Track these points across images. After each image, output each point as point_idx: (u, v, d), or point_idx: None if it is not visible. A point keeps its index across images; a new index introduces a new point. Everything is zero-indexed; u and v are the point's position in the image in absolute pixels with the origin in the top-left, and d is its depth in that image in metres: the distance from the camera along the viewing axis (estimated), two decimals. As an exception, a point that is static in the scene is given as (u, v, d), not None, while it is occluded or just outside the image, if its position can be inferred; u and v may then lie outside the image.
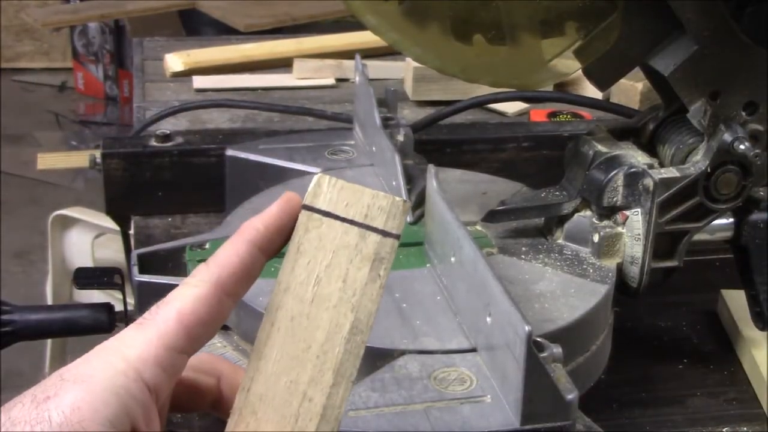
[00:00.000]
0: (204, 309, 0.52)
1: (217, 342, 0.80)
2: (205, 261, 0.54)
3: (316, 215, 0.54)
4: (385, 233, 0.54)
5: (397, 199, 0.54)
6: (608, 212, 0.85)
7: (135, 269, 0.84)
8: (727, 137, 0.81)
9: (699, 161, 0.83)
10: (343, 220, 0.54)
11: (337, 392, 0.53)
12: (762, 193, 0.87)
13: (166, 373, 0.51)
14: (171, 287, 0.54)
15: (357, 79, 1.06)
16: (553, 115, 1.38)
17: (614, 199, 0.84)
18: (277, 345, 0.53)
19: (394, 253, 0.54)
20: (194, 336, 0.52)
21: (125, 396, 0.48)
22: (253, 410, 0.53)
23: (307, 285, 0.54)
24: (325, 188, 0.55)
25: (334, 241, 0.54)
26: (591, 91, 1.34)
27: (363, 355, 0.53)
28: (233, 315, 0.74)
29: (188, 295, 0.52)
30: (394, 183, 0.92)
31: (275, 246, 0.55)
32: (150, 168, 1.10)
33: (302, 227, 0.54)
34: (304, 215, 0.55)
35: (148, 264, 0.85)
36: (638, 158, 0.85)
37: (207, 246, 0.88)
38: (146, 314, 0.52)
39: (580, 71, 0.84)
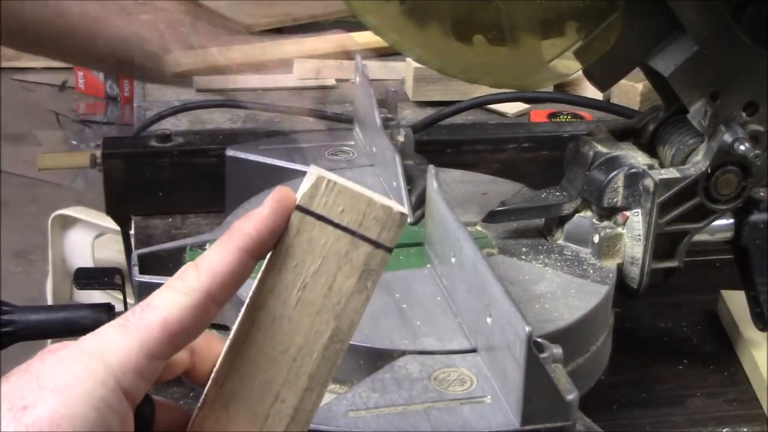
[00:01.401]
0: (190, 319, 0.51)
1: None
2: (194, 261, 0.53)
3: (310, 218, 0.53)
4: (377, 245, 0.53)
5: (395, 210, 0.53)
6: (608, 213, 0.85)
7: (135, 269, 0.84)
8: (728, 138, 0.81)
9: (699, 162, 0.83)
10: (336, 226, 0.53)
11: (310, 397, 0.53)
12: (762, 194, 0.87)
13: (144, 381, 0.51)
14: (171, 288, 0.54)
15: (357, 79, 1.06)
16: (553, 115, 1.38)
17: (614, 200, 0.84)
18: (255, 344, 0.53)
19: (384, 266, 0.53)
20: (177, 343, 0.52)
21: (104, 409, 0.49)
22: (225, 404, 0.54)
23: (292, 288, 0.53)
24: (321, 191, 0.53)
25: (325, 247, 0.53)
26: (591, 91, 1.34)
27: (339, 363, 0.54)
28: (232, 314, 0.74)
29: (175, 303, 0.51)
30: (394, 183, 0.92)
31: (267, 249, 0.54)
32: (150, 168, 1.10)
33: (294, 228, 0.53)
34: (296, 216, 0.53)
35: (148, 264, 0.85)
36: (638, 159, 0.85)
37: (207, 246, 0.88)
38: (129, 314, 0.52)
39: (580, 72, 0.84)
